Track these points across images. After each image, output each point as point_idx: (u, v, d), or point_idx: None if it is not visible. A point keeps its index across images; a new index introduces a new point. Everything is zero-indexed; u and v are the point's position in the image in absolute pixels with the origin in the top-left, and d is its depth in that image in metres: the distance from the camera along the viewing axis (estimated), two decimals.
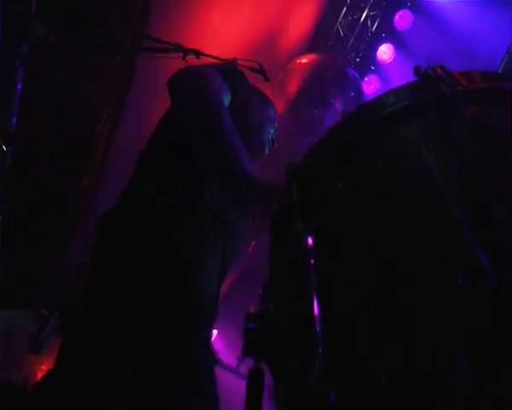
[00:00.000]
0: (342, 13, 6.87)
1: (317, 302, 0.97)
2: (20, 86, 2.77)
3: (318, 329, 0.92)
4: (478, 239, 0.85)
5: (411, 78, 1.15)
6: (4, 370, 2.72)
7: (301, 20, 6.46)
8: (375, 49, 6.90)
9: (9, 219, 2.64)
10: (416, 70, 1.14)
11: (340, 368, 0.91)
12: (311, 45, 6.94)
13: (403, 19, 6.56)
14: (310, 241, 1.04)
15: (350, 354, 0.92)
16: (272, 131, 2.36)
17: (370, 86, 7.09)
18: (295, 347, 1.04)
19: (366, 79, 7.12)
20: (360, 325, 0.94)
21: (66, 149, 4.57)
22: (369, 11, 6.76)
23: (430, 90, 1.08)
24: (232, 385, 3.78)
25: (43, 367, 3.01)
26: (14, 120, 2.76)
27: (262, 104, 2.36)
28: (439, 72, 1.10)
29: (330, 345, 0.91)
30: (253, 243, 4.92)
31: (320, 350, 0.89)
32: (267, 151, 2.34)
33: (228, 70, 2.18)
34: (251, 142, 2.17)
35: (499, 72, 4.64)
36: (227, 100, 2.03)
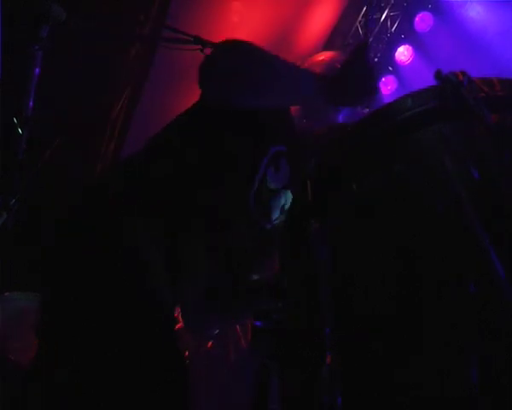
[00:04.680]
0: (362, 12, 6.81)
1: (328, 304, 0.96)
2: (37, 70, 2.77)
3: (328, 330, 0.91)
4: (495, 250, 0.84)
5: (430, 80, 1.13)
6: (13, 353, 2.72)
7: (320, 18, 6.42)
8: (394, 50, 6.84)
9: (19, 211, 2.63)
10: (437, 74, 1.12)
11: (349, 372, 0.90)
12: (329, 43, 6.89)
13: (423, 21, 6.49)
14: (323, 242, 1.04)
15: (359, 357, 0.91)
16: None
17: (387, 87, 7.03)
18: (304, 347, 1.03)
19: (383, 79, 7.06)
20: (370, 329, 0.93)
21: (79, 136, 4.57)
22: (390, 11, 6.70)
23: (451, 95, 1.06)
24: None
25: None
26: (31, 103, 2.76)
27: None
28: (461, 77, 1.08)
29: (339, 348, 0.90)
30: None
31: (329, 353, 0.88)
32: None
33: None
34: None
35: None
36: None
